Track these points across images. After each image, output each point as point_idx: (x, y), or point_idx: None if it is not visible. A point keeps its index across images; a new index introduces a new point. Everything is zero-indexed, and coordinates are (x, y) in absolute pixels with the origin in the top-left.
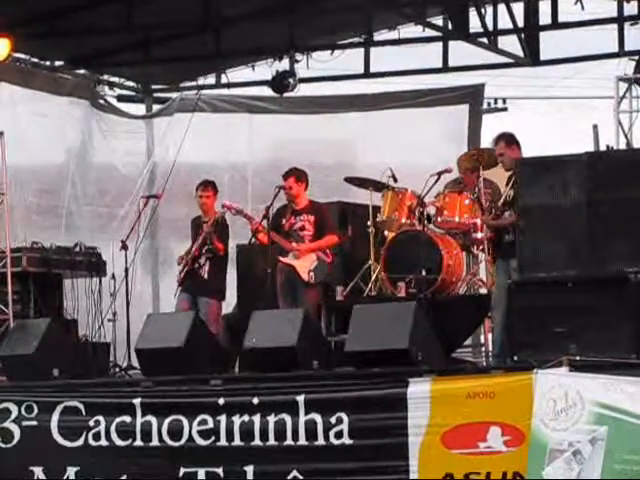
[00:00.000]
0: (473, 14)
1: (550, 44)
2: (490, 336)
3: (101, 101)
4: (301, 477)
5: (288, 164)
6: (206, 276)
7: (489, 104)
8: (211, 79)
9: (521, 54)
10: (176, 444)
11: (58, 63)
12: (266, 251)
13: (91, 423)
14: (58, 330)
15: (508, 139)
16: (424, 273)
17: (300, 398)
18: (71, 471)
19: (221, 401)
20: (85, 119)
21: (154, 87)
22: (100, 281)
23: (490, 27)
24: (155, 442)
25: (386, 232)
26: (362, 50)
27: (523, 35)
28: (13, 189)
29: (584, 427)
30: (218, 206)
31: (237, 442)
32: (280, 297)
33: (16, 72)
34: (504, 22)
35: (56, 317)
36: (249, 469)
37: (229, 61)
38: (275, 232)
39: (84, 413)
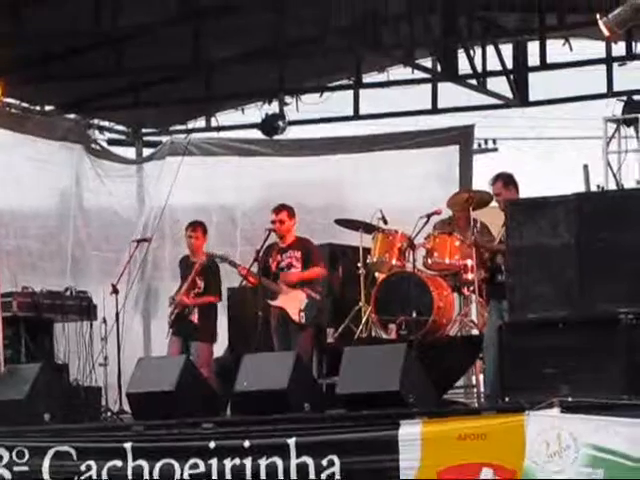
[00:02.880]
0: (462, 56)
1: (539, 85)
2: (482, 377)
3: (94, 145)
4: None
5: (276, 205)
6: (196, 320)
7: (479, 145)
8: (201, 122)
9: (510, 95)
10: None
11: (48, 108)
12: (256, 294)
13: (82, 468)
14: (49, 374)
15: (505, 179)
16: (415, 315)
17: (291, 441)
18: None
19: (212, 444)
20: (79, 163)
21: (144, 131)
22: (91, 325)
23: (479, 69)
24: None
25: (377, 274)
26: (351, 92)
27: (512, 76)
28: (11, 234)
29: (580, 470)
30: (207, 247)
31: None
32: (274, 339)
33: (8, 117)
34: (493, 63)
35: (47, 361)
36: None
37: (219, 104)
38: (263, 273)
39: (75, 458)
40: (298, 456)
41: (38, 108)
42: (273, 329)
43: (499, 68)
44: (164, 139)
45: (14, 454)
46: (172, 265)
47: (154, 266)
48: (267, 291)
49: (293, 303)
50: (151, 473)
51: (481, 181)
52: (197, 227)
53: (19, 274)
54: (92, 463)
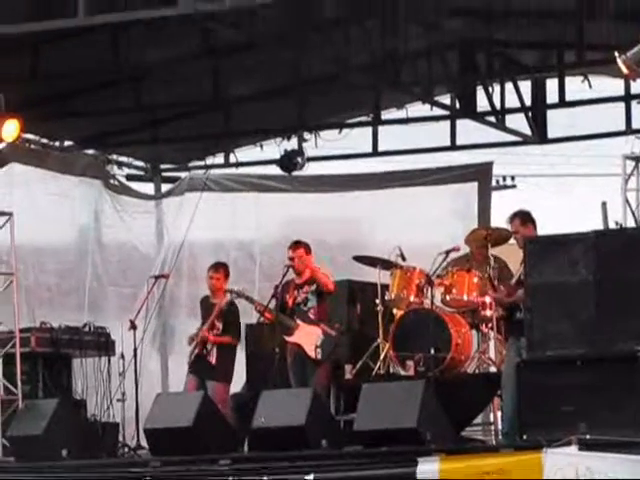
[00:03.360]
0: (480, 93)
1: (558, 122)
2: (499, 414)
3: (113, 181)
4: None
5: (292, 241)
6: (214, 361)
7: (497, 182)
8: (220, 158)
9: (529, 132)
10: None
11: (67, 143)
12: (274, 330)
13: None
14: (67, 410)
15: (523, 217)
16: (433, 351)
17: (309, 478)
18: None
19: None
20: (98, 199)
21: (163, 167)
22: (109, 361)
23: (498, 106)
24: None
25: (395, 310)
26: (370, 129)
27: (530, 113)
28: (30, 269)
29: None
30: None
31: None
32: (291, 376)
33: (28, 152)
34: (511, 100)
35: (65, 397)
36: None
37: (238, 140)
38: (281, 310)
39: None
40: None
41: (57, 144)
42: (289, 365)
43: (517, 105)
44: (183, 175)
45: None
46: (188, 302)
47: (171, 303)
48: (284, 327)
49: (309, 339)
50: None
51: (499, 218)
52: (220, 268)
53: (37, 309)
54: None
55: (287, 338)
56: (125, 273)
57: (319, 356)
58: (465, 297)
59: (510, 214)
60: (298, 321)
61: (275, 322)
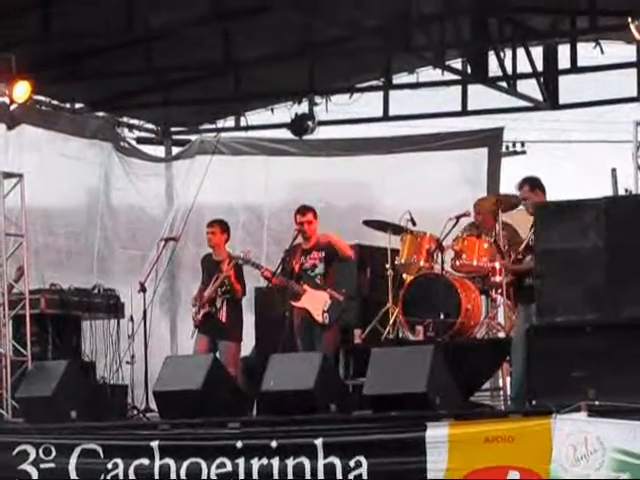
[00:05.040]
0: (492, 58)
1: (569, 88)
2: (508, 380)
3: (123, 144)
4: None
5: (300, 206)
6: (224, 319)
7: (507, 147)
8: (230, 122)
9: (540, 98)
10: None
11: (78, 105)
12: (283, 294)
13: (109, 466)
14: (76, 372)
15: (532, 183)
16: (442, 317)
17: (318, 441)
18: None
19: (239, 444)
20: (108, 161)
21: (173, 129)
22: (118, 323)
23: (509, 71)
24: None
25: (404, 275)
26: (381, 93)
27: (542, 79)
28: (39, 231)
29: (606, 474)
30: (228, 246)
31: None
32: (298, 340)
33: (38, 114)
34: (523, 66)
35: (74, 359)
36: None
37: (248, 104)
38: (286, 274)
39: (102, 456)
40: (326, 457)
41: (68, 106)
42: (296, 330)
43: (529, 70)
44: (193, 138)
45: (41, 451)
46: (194, 265)
47: (178, 265)
48: (291, 293)
49: (316, 304)
50: (178, 472)
51: (509, 184)
52: (214, 224)
53: (46, 271)
54: (119, 461)
55: (294, 303)
56: (134, 236)
57: (327, 320)
58: (475, 262)
59: (519, 180)
60: (305, 286)
61: (283, 287)
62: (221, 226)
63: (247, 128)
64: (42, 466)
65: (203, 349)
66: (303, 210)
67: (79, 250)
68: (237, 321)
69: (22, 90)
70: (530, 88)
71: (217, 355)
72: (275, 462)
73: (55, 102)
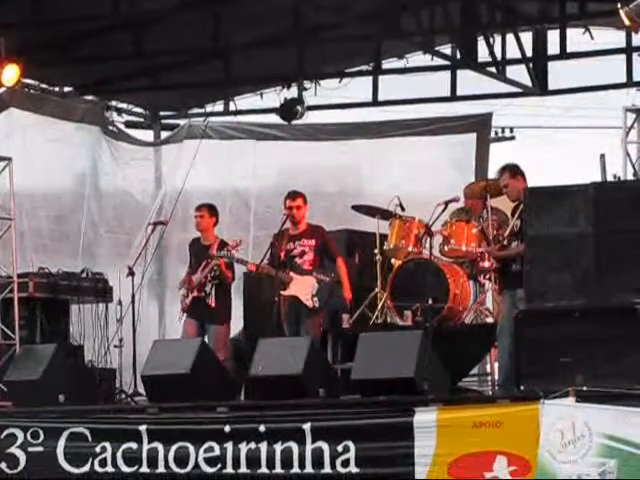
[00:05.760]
0: (482, 43)
1: (558, 74)
2: (496, 365)
3: (112, 128)
4: None
5: (290, 190)
6: (213, 304)
7: (496, 133)
8: (219, 106)
9: (529, 83)
10: (182, 471)
11: (67, 89)
12: (272, 280)
13: (97, 449)
14: (64, 356)
15: (512, 170)
16: (431, 302)
17: (306, 426)
18: None
19: (227, 428)
20: (96, 145)
21: (162, 114)
22: (107, 307)
23: (499, 56)
24: (161, 469)
25: (393, 260)
26: (370, 78)
27: (531, 65)
28: (25, 215)
29: (593, 460)
30: (216, 230)
31: (243, 470)
32: (285, 326)
33: (26, 98)
34: (512, 51)
35: (62, 343)
36: None
37: (237, 88)
38: (271, 263)
39: (90, 439)
40: (314, 441)
41: (56, 89)
42: (284, 316)
43: (518, 56)
44: (182, 122)
45: (29, 435)
46: (180, 249)
47: (165, 250)
48: (278, 282)
49: (304, 290)
50: (166, 456)
51: (497, 169)
52: (203, 208)
53: (32, 255)
54: (107, 445)
55: (283, 293)
56: (121, 220)
57: (317, 304)
58: (463, 247)
59: (499, 168)
60: (291, 273)
61: (271, 277)
62: (209, 210)
63: (236, 113)
64: (30, 449)
65: (192, 333)
66: (293, 195)
67: (65, 234)
68: (226, 305)
69: (11, 73)
70: (519, 74)
71: (206, 339)
72: (263, 446)
73: (44, 86)
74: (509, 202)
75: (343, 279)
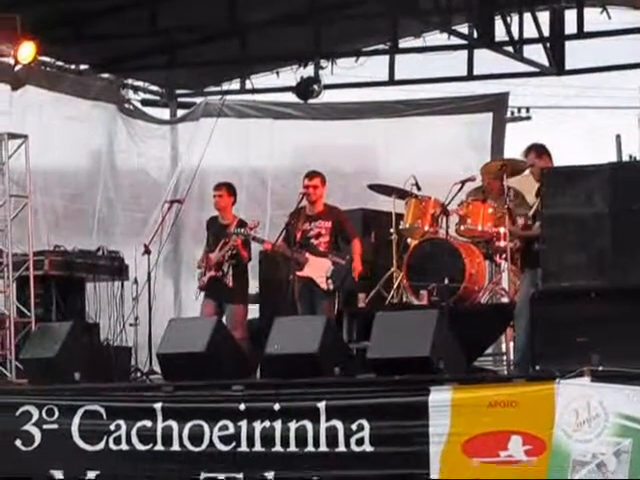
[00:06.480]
0: (499, 23)
1: (575, 53)
2: (512, 345)
3: (128, 105)
4: None
5: (308, 170)
6: (231, 284)
7: (512, 113)
8: (236, 84)
9: (546, 63)
10: (197, 449)
11: (83, 67)
12: (287, 259)
13: (112, 427)
14: (80, 334)
15: (539, 150)
16: (447, 281)
17: (321, 405)
18: (91, 475)
19: (242, 407)
20: (111, 123)
21: (178, 92)
22: (122, 285)
23: (516, 36)
24: (176, 447)
25: (409, 240)
26: (387, 57)
27: (548, 44)
28: (39, 193)
29: (608, 439)
30: (235, 210)
31: (258, 448)
32: (299, 306)
33: (43, 75)
34: (530, 31)
35: (78, 321)
36: (270, 475)
37: (254, 67)
38: (287, 243)
39: (105, 417)
40: (328, 420)
41: (73, 67)
42: (297, 296)
43: (536, 36)
44: (198, 100)
45: (44, 412)
46: (197, 228)
47: (185, 229)
48: (294, 262)
49: (319, 271)
50: (180, 434)
51: (513, 149)
52: (222, 187)
53: (48, 232)
54: (122, 422)
55: (298, 273)
56: (137, 198)
57: (331, 287)
58: (480, 227)
59: (525, 147)
60: (307, 254)
61: (285, 256)
62: (228, 189)
63: (252, 91)
64: (45, 427)
65: (210, 313)
66: (311, 174)
67: (80, 211)
68: (243, 285)
69: (27, 51)
70: (536, 53)
71: (224, 319)
72: (278, 425)
73: (60, 63)
74: (525, 182)
75: (355, 256)
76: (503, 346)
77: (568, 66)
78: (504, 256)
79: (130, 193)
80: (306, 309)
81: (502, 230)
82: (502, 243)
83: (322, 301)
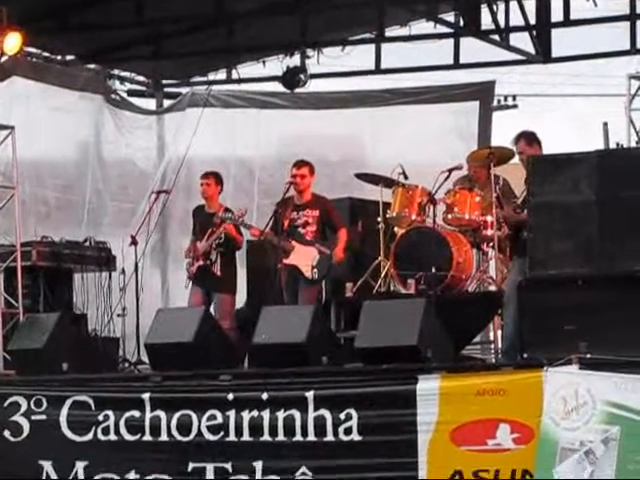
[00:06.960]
0: (485, 11)
1: (562, 41)
2: (499, 333)
3: (114, 96)
4: (310, 473)
5: (295, 159)
6: (219, 272)
7: (499, 101)
8: (222, 74)
9: (533, 51)
10: (185, 439)
11: (69, 58)
12: (275, 247)
13: (100, 417)
14: (68, 325)
15: (529, 137)
16: (434, 270)
17: (309, 394)
18: (80, 465)
19: (230, 396)
20: (98, 114)
21: (165, 82)
22: (110, 276)
23: (502, 24)
24: (164, 437)
25: (396, 228)
26: (373, 46)
27: (535, 32)
28: (28, 184)
29: (596, 427)
30: (222, 199)
31: (246, 437)
32: (285, 295)
33: (29, 66)
34: (516, 19)
35: (66, 312)
36: (258, 465)
37: (240, 56)
38: (276, 231)
39: (93, 407)
40: (316, 409)
41: (59, 58)
42: (284, 285)
43: (522, 24)
44: (184, 90)
45: (32, 403)
46: (184, 217)
47: (172, 219)
48: (280, 250)
49: (305, 260)
50: (169, 424)
51: (500, 137)
52: (209, 176)
53: (36, 224)
54: (110, 413)
55: (284, 261)
56: (125, 188)
57: (316, 276)
58: (467, 216)
59: (515, 135)
60: (293, 242)
61: (272, 244)
62: (216, 178)
63: (239, 81)
64: (33, 417)
65: (198, 302)
66: (299, 163)
67: (67, 202)
68: (232, 274)
69: (13, 42)
70: (522, 41)
71: (212, 308)
72: (266, 414)
73: (46, 54)
74: (512, 170)
75: (339, 243)
76: (491, 334)
77: (555, 54)
78: (491, 244)
79: (118, 184)
80: (291, 297)
81: (489, 218)
82: (489, 231)
83: (303, 288)
